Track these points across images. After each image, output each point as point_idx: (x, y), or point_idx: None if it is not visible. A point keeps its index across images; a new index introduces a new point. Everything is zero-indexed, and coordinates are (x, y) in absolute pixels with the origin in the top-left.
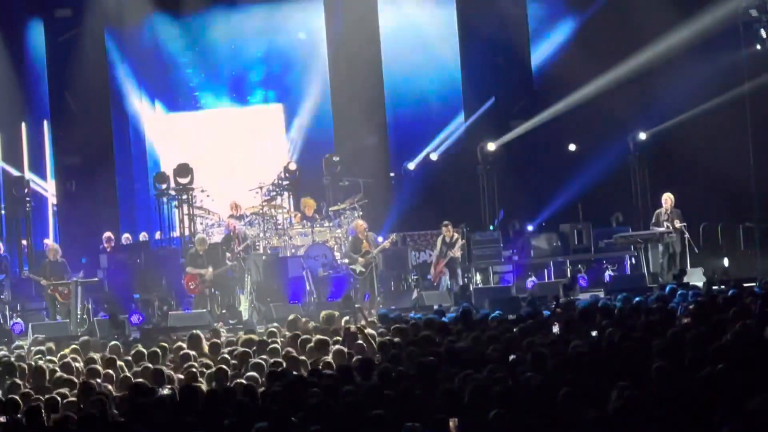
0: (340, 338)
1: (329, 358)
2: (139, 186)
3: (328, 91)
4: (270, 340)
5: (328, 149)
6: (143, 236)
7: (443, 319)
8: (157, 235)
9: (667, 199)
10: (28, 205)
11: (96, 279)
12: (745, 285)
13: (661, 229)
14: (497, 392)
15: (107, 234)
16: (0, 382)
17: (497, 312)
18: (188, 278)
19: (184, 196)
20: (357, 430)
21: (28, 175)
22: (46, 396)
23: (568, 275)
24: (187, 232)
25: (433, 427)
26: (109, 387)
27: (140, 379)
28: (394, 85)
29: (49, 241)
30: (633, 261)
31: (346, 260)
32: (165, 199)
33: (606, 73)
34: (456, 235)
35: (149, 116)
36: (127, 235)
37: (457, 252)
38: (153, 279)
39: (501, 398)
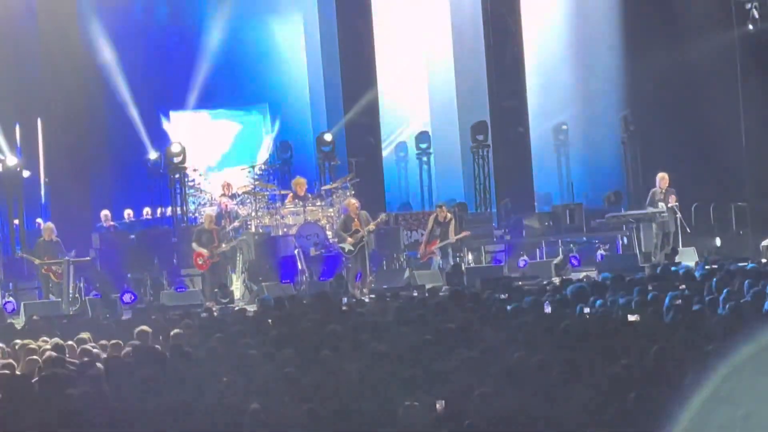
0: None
1: None
2: (130, 163)
3: (320, 70)
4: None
5: (321, 128)
6: (146, 212)
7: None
8: (146, 212)
9: (663, 178)
10: (20, 183)
11: (88, 258)
12: (738, 264)
13: (654, 209)
14: (489, 372)
15: (105, 212)
16: None
17: (488, 292)
18: (196, 255)
19: (177, 175)
20: (350, 409)
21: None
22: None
23: (560, 255)
24: (179, 211)
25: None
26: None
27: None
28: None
29: (42, 221)
30: (625, 241)
31: (336, 239)
32: (177, 175)
33: (597, 52)
34: (449, 215)
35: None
36: (128, 211)
37: (454, 238)
38: (145, 258)
39: (493, 378)
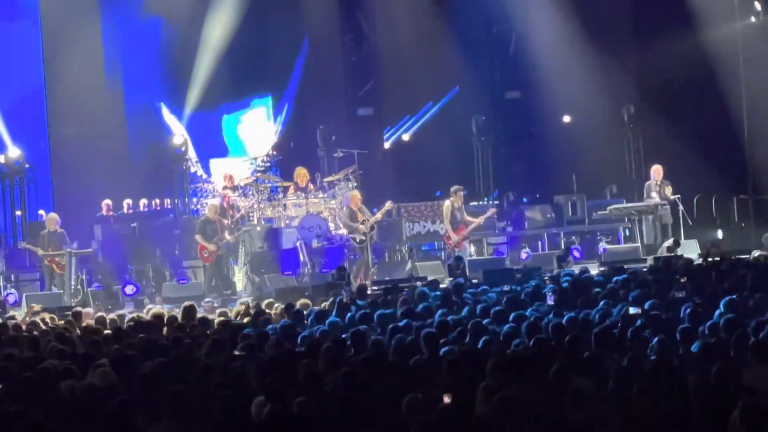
0: None
1: None
2: (133, 155)
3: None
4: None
5: (322, 120)
6: (142, 204)
7: (437, 291)
8: (142, 204)
9: (657, 170)
10: (23, 175)
11: (90, 250)
12: (740, 257)
13: (656, 201)
14: (491, 364)
15: (107, 201)
16: None
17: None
18: (201, 247)
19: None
20: (350, 400)
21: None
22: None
23: (562, 247)
24: (179, 203)
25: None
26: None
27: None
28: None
29: (45, 212)
30: (627, 233)
31: (346, 230)
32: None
33: (601, 44)
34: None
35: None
36: (128, 200)
37: (482, 219)
38: (147, 249)
39: (495, 370)
